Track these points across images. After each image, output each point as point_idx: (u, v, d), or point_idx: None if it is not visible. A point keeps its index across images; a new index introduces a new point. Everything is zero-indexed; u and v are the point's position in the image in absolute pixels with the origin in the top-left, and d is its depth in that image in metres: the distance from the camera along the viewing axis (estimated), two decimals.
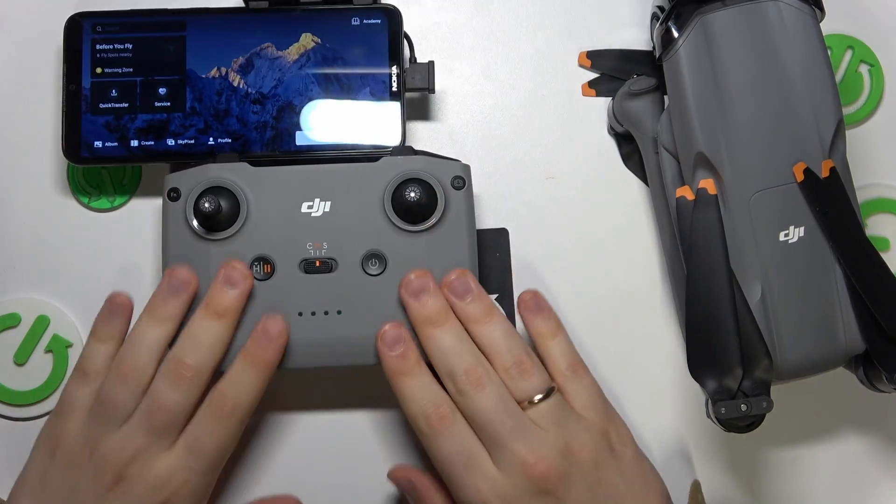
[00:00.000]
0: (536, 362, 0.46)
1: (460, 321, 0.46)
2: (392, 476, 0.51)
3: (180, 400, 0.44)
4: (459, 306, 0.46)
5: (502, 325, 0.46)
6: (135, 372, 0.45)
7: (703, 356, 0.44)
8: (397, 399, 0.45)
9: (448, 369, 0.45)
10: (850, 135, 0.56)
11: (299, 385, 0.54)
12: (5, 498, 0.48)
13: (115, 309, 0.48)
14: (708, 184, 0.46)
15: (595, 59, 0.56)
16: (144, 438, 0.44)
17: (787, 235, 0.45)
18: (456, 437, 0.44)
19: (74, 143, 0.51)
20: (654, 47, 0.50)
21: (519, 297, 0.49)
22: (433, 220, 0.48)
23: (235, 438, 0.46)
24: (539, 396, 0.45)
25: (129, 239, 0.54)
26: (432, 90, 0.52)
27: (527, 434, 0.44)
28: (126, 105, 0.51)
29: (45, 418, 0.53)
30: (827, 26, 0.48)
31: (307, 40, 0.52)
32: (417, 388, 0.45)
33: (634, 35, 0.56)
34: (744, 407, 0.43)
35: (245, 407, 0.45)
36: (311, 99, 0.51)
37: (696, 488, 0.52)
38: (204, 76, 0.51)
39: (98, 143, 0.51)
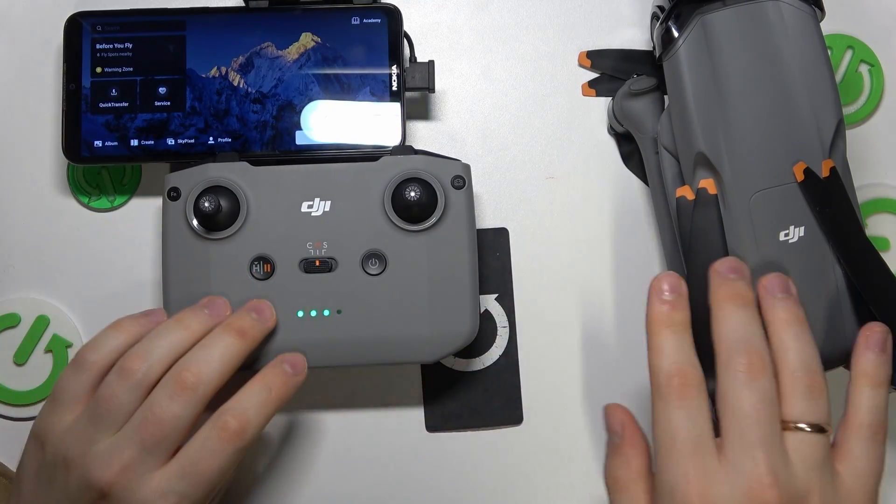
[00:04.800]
0: (827, 392, 0.40)
1: (765, 318, 0.42)
2: (608, 410, 0.44)
3: (178, 413, 0.41)
4: (769, 302, 0.42)
5: (808, 338, 0.41)
6: (139, 371, 0.42)
7: (702, 356, 0.44)
8: (647, 349, 0.41)
9: (729, 347, 0.40)
10: (850, 135, 0.56)
11: None
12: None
13: (151, 315, 0.46)
14: (708, 184, 0.46)
15: (595, 59, 0.56)
16: (134, 453, 0.41)
17: (787, 235, 0.45)
18: (691, 413, 0.39)
19: (74, 143, 0.51)
20: (654, 47, 0.50)
21: (864, 329, 0.43)
22: (433, 220, 0.48)
23: (234, 466, 0.42)
24: (806, 426, 0.39)
25: (129, 239, 0.54)
26: (432, 90, 0.52)
27: (774, 452, 0.38)
28: (126, 104, 0.51)
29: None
30: (827, 26, 0.48)
31: (307, 40, 0.52)
32: (673, 345, 0.40)
33: (634, 35, 0.56)
34: None
35: (253, 431, 0.42)
36: (311, 98, 0.51)
37: None
38: (204, 75, 0.51)
39: (98, 143, 0.51)
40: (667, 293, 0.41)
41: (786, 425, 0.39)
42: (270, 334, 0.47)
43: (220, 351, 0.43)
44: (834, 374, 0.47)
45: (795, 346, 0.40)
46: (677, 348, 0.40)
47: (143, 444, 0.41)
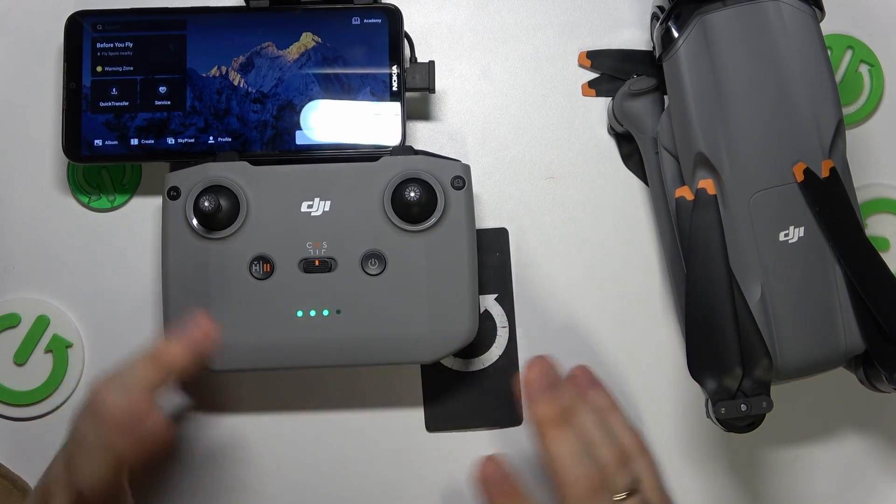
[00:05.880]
0: (626, 453, 0.45)
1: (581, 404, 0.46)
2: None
3: None
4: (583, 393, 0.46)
5: (621, 416, 0.46)
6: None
7: (703, 356, 0.44)
8: (545, 455, 0.43)
9: (567, 475, 0.43)
10: (850, 135, 0.56)
11: (297, 385, 0.53)
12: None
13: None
14: (707, 184, 0.46)
15: (595, 59, 0.56)
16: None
17: (787, 235, 0.45)
18: None
19: (75, 142, 0.51)
20: (654, 47, 0.50)
21: (572, 371, 0.48)
22: (433, 220, 0.48)
23: None
24: (625, 494, 0.43)
25: (129, 239, 0.54)
26: (432, 90, 0.52)
27: None
28: (126, 103, 0.51)
29: (45, 418, 0.53)
30: (827, 26, 0.48)
31: (307, 39, 0.52)
32: (571, 452, 0.43)
33: (634, 35, 0.56)
34: (744, 407, 0.43)
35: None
36: (311, 98, 0.51)
37: None
38: (204, 75, 0.51)
39: (98, 142, 0.51)
40: (544, 396, 0.43)
41: (616, 497, 0.43)
42: (272, 333, 0.47)
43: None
44: (834, 373, 0.47)
45: (591, 419, 0.44)
46: (575, 454, 0.43)
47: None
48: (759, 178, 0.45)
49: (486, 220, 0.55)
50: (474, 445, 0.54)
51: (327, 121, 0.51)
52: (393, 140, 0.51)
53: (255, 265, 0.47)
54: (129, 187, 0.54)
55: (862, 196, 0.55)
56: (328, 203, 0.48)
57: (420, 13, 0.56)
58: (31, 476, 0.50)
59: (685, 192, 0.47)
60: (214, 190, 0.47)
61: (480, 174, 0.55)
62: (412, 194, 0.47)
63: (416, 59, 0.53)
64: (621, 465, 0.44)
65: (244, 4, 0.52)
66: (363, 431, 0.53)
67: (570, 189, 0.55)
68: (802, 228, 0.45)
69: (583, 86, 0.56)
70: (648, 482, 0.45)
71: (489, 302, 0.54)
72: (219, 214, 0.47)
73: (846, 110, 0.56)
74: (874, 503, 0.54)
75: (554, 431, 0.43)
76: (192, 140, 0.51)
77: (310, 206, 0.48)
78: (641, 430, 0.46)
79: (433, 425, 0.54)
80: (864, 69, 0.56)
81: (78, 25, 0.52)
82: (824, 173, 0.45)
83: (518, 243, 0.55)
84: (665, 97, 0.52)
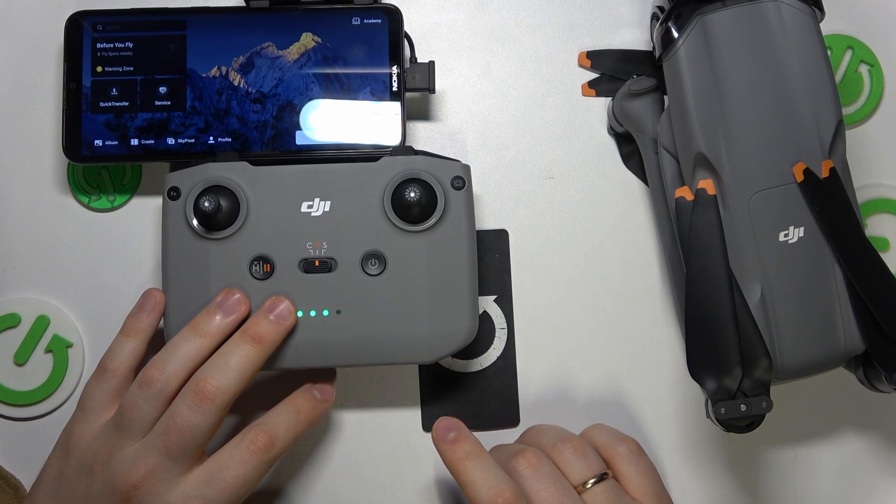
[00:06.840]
0: (587, 444, 0.46)
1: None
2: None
3: (197, 422, 0.43)
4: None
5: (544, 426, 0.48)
6: (158, 382, 0.44)
7: (702, 356, 0.44)
8: (461, 488, 0.44)
9: (488, 488, 0.43)
10: (850, 135, 0.56)
11: (296, 385, 0.53)
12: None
13: (146, 304, 0.47)
14: (707, 184, 0.46)
15: (595, 59, 0.56)
16: (157, 459, 0.43)
17: (786, 235, 0.45)
18: None
19: (75, 142, 0.51)
20: (654, 47, 0.50)
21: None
22: (433, 221, 0.48)
23: (260, 477, 0.44)
24: (593, 480, 0.44)
25: (129, 239, 0.54)
26: (432, 90, 0.52)
27: None
28: (126, 104, 0.51)
29: (45, 418, 0.53)
30: (827, 26, 0.48)
31: (307, 40, 0.52)
32: (478, 472, 0.43)
33: (634, 35, 0.56)
34: (743, 407, 0.43)
35: (280, 446, 0.44)
36: (311, 98, 0.51)
37: None
38: (204, 75, 0.51)
39: (98, 142, 0.51)
40: (450, 434, 0.44)
41: (579, 490, 0.44)
42: None
43: (237, 360, 0.45)
44: (834, 373, 0.47)
45: (545, 431, 0.47)
46: (483, 473, 0.43)
47: (166, 452, 0.43)
48: (759, 178, 0.45)
49: (486, 220, 0.55)
50: None
51: (327, 121, 0.51)
52: (393, 140, 0.51)
53: (256, 265, 0.47)
54: (129, 187, 0.54)
55: (862, 196, 0.55)
56: (328, 203, 0.48)
57: (420, 13, 0.56)
58: (30, 476, 0.50)
59: (685, 192, 0.47)
60: (214, 190, 0.47)
61: (480, 174, 0.55)
62: (412, 194, 0.47)
63: (416, 59, 0.53)
64: (576, 456, 0.45)
65: (244, 4, 0.52)
66: (360, 431, 0.53)
67: (570, 189, 0.55)
68: (802, 228, 0.45)
69: (583, 86, 0.56)
70: (639, 484, 0.46)
71: (488, 303, 0.54)
72: (219, 215, 0.47)
73: (846, 110, 0.56)
74: (874, 503, 0.54)
75: (460, 464, 0.43)
76: (192, 140, 0.51)
77: (310, 207, 0.48)
78: (640, 431, 0.46)
79: (430, 426, 0.54)
80: (864, 69, 0.56)
81: (78, 25, 0.52)
82: (824, 173, 0.45)
83: (518, 244, 0.55)
84: (665, 97, 0.52)
